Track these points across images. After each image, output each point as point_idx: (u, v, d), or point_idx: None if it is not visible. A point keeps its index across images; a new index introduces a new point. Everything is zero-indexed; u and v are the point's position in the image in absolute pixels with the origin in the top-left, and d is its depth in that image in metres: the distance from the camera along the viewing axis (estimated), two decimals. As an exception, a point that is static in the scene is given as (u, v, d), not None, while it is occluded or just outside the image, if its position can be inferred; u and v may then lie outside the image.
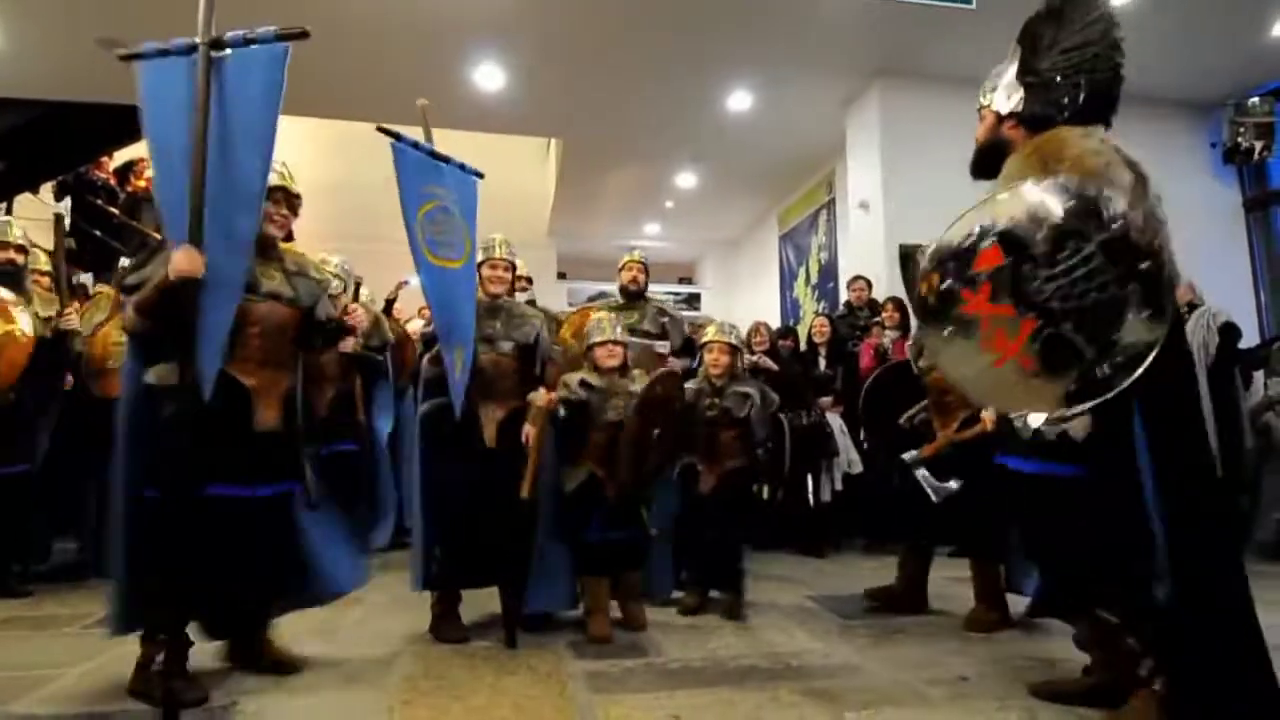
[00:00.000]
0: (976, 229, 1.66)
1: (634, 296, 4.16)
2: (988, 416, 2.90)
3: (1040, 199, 1.65)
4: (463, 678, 2.41)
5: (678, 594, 3.39)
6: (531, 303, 4.32)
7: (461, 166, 2.84)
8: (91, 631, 2.87)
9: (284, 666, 2.41)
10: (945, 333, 1.71)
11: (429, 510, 2.91)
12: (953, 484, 2.95)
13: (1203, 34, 5.61)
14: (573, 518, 3.00)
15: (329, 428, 4.19)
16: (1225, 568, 1.83)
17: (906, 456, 3.03)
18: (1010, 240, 1.63)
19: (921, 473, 2.99)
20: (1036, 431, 2.00)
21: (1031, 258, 1.61)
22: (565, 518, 3.01)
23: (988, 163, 2.11)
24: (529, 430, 2.87)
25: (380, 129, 2.56)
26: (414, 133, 2.74)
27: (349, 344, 4.11)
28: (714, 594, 3.37)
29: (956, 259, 1.66)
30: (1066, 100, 1.96)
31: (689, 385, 3.47)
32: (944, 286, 1.67)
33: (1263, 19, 5.52)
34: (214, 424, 2.11)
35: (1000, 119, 2.09)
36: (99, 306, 4.24)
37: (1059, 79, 1.97)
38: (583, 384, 3.03)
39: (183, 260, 2.03)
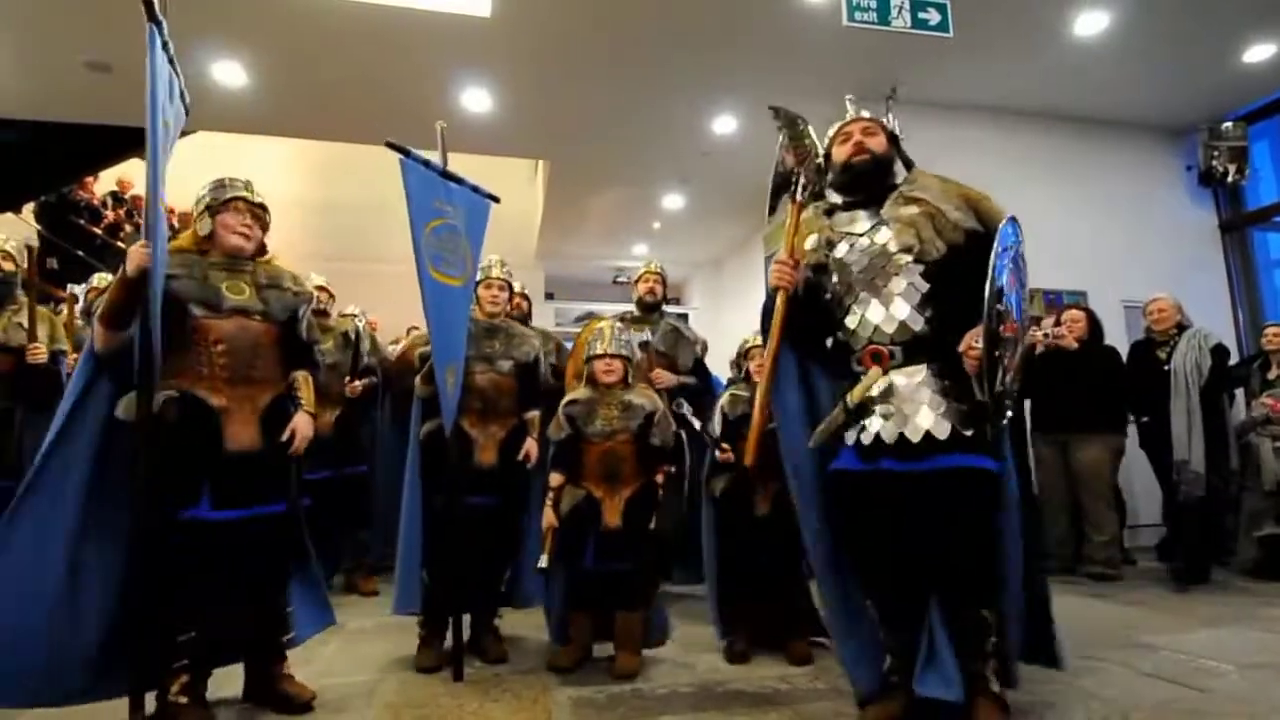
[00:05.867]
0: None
1: (649, 309, 4.03)
2: None
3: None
4: (446, 705, 2.37)
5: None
6: (525, 320, 4.30)
7: (475, 189, 2.85)
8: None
9: (291, 703, 2.28)
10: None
11: (424, 532, 2.85)
12: None
13: (1177, 61, 5.74)
14: (566, 544, 2.80)
15: (335, 450, 4.13)
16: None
17: None
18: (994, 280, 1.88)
19: None
20: (962, 428, 2.01)
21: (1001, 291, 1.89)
22: (560, 544, 2.82)
23: (879, 175, 2.30)
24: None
25: (389, 144, 2.56)
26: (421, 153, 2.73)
27: (357, 387, 4.25)
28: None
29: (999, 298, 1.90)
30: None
31: (735, 392, 3.11)
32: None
33: (1235, 46, 5.64)
34: (182, 447, 2.05)
35: (892, 146, 2.36)
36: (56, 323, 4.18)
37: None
38: (568, 406, 2.88)
39: (139, 254, 1.99)
